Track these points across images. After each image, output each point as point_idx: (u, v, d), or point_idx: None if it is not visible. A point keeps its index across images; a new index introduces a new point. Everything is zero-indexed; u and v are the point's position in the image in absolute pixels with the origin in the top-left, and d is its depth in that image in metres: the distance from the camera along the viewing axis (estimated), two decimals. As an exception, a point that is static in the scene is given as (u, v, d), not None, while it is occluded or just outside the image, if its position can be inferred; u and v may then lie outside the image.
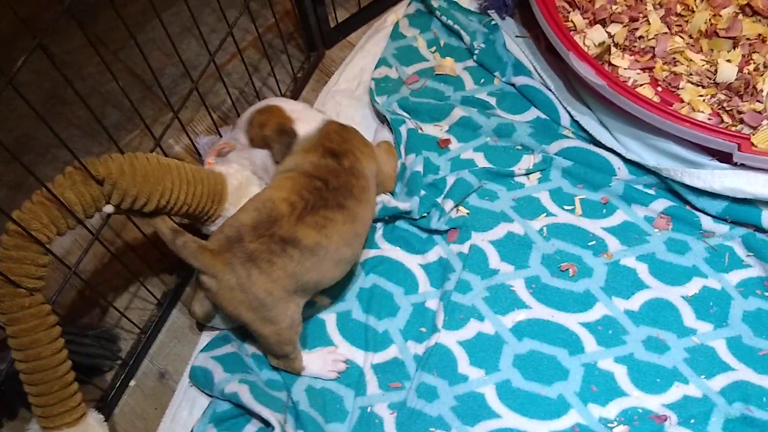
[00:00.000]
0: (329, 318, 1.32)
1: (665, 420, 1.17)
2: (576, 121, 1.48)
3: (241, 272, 1.10)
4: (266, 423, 1.19)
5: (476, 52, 1.61)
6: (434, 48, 1.67)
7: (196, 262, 1.10)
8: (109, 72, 1.07)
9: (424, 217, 1.38)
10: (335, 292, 1.32)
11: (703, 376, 1.21)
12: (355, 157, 1.25)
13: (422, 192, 1.39)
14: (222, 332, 1.32)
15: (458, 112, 1.52)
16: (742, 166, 1.29)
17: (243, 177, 1.27)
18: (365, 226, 1.25)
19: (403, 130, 1.49)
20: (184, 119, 1.57)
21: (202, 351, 1.29)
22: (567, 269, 1.32)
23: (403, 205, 1.35)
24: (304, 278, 1.15)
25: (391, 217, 1.40)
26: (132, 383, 1.32)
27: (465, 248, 1.35)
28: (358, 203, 1.21)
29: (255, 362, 1.28)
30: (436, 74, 1.61)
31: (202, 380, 1.25)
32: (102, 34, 1.70)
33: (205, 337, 1.33)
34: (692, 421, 1.17)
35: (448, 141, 1.50)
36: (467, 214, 1.40)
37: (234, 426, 1.21)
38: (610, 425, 1.17)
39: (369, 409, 1.21)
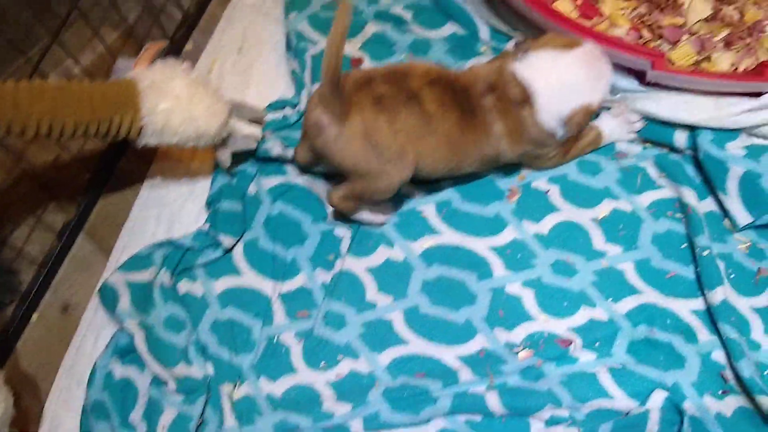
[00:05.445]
0: (236, 247, 1.28)
1: (570, 344, 1.17)
2: (494, 38, 1.42)
3: (368, 116, 1.08)
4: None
5: (392, -41, 1.52)
6: (348, -43, 1.57)
7: (323, 110, 1.07)
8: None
9: None
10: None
11: (610, 299, 1.20)
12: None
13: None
14: (145, 251, 1.27)
15: (371, 28, 1.45)
16: (656, 85, 1.25)
17: (159, 73, 1.14)
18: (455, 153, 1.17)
19: (307, 57, 1.41)
20: (86, 37, 1.47)
21: (119, 269, 1.25)
22: (478, 192, 1.30)
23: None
24: (417, 148, 1.12)
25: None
26: (34, 316, 1.28)
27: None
28: (471, 128, 1.14)
29: (161, 294, 1.24)
30: (350, -14, 1.52)
31: (109, 301, 1.22)
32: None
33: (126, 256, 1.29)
34: (597, 344, 1.17)
35: (360, 60, 1.43)
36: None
37: (137, 359, 1.19)
38: (515, 350, 1.17)
39: (276, 339, 1.20)
